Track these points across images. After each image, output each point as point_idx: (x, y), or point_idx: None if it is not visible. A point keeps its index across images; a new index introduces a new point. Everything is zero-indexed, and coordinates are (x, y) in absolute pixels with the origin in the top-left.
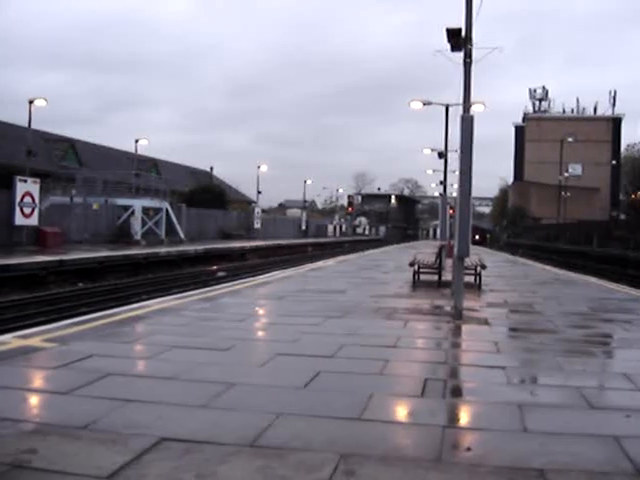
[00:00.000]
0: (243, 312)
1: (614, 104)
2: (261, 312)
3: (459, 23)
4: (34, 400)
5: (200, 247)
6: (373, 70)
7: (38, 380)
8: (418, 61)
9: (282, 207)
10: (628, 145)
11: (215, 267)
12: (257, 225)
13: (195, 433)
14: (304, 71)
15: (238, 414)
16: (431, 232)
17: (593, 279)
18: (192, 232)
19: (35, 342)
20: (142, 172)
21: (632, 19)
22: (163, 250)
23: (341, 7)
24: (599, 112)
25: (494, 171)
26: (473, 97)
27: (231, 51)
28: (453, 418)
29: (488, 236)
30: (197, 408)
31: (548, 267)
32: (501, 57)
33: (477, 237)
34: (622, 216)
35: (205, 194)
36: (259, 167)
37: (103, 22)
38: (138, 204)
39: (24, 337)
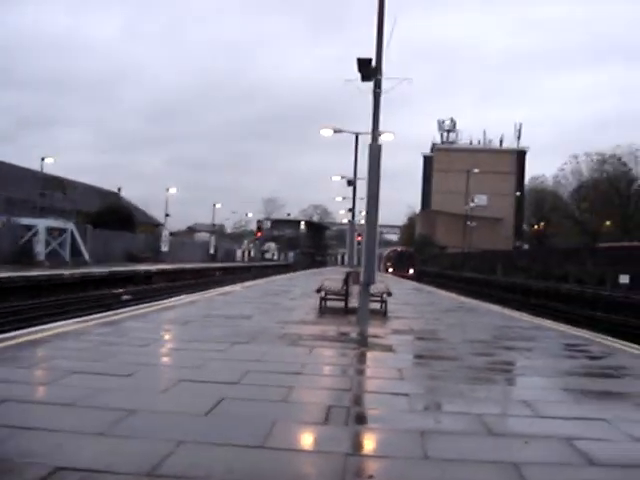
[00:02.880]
0: (147, 337)
1: (519, 137)
2: (166, 337)
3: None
4: None
5: (105, 269)
6: (291, 100)
7: None
8: (334, 92)
9: (191, 230)
10: (532, 177)
11: (120, 290)
12: (165, 248)
13: (92, 462)
14: (223, 98)
15: (137, 442)
16: (339, 258)
17: (496, 307)
18: (98, 254)
19: None
20: (48, 191)
21: (541, 61)
22: (67, 272)
23: (262, 39)
24: (505, 145)
25: (403, 200)
26: (386, 128)
27: (153, 75)
28: (356, 445)
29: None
30: (95, 436)
31: (453, 295)
32: (415, 91)
33: (411, 270)
34: (525, 246)
35: (113, 215)
36: (168, 190)
37: (21, 40)
38: (42, 224)
39: None
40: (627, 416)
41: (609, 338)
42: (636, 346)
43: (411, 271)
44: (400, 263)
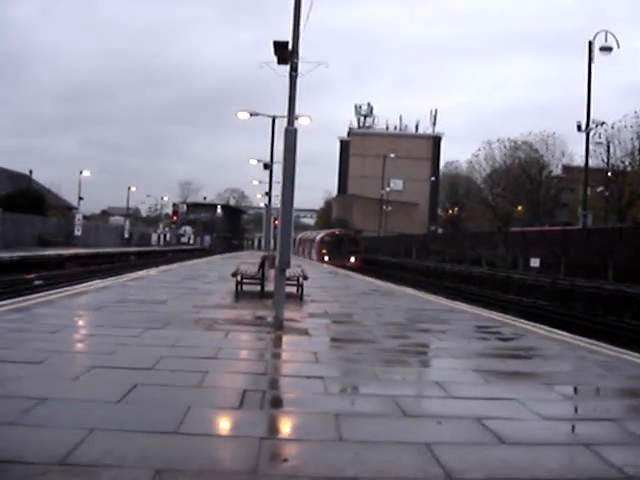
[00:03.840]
0: (58, 323)
1: (435, 123)
2: (78, 323)
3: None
4: None
5: (15, 254)
6: (208, 83)
7: None
8: (252, 76)
9: (105, 214)
10: (446, 163)
11: (31, 275)
12: (78, 232)
13: (2, 452)
14: (140, 81)
15: (48, 430)
16: (256, 242)
17: (411, 290)
18: (8, 238)
19: None
20: None
21: (456, 51)
22: None
23: (181, 22)
24: (420, 130)
25: (321, 184)
26: (305, 112)
27: (68, 57)
28: (271, 429)
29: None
30: (4, 425)
31: (368, 278)
32: (334, 77)
33: (352, 258)
34: (440, 230)
35: (23, 199)
36: (81, 172)
37: None
38: None
39: None
40: (536, 395)
41: (520, 320)
42: (545, 327)
43: (353, 259)
44: (339, 250)
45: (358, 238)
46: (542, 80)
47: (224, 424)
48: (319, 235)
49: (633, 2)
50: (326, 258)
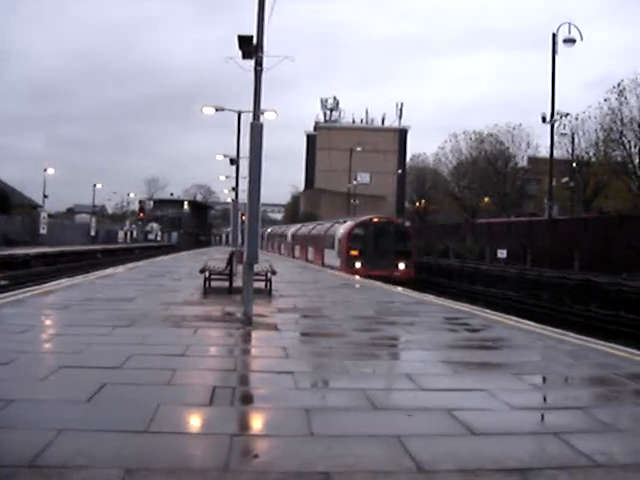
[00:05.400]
0: (25, 323)
1: (400, 116)
2: (45, 322)
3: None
4: None
5: None
6: (175, 81)
7: None
8: (218, 73)
9: (71, 212)
10: (413, 155)
11: None
12: (43, 230)
13: None
14: (107, 79)
15: (16, 432)
16: (224, 238)
17: (379, 283)
18: None
19: None
20: None
21: (421, 47)
22: None
23: (148, 20)
24: (386, 124)
25: (288, 179)
26: (271, 107)
27: (35, 54)
28: (242, 426)
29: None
30: None
31: (337, 272)
32: (302, 74)
33: (402, 264)
34: (407, 223)
35: None
36: (46, 170)
37: None
38: None
39: None
40: (505, 386)
41: (487, 311)
42: (513, 317)
43: (402, 266)
44: (378, 250)
45: (408, 229)
46: (507, 74)
47: (194, 421)
48: (344, 226)
49: None
50: (358, 265)
